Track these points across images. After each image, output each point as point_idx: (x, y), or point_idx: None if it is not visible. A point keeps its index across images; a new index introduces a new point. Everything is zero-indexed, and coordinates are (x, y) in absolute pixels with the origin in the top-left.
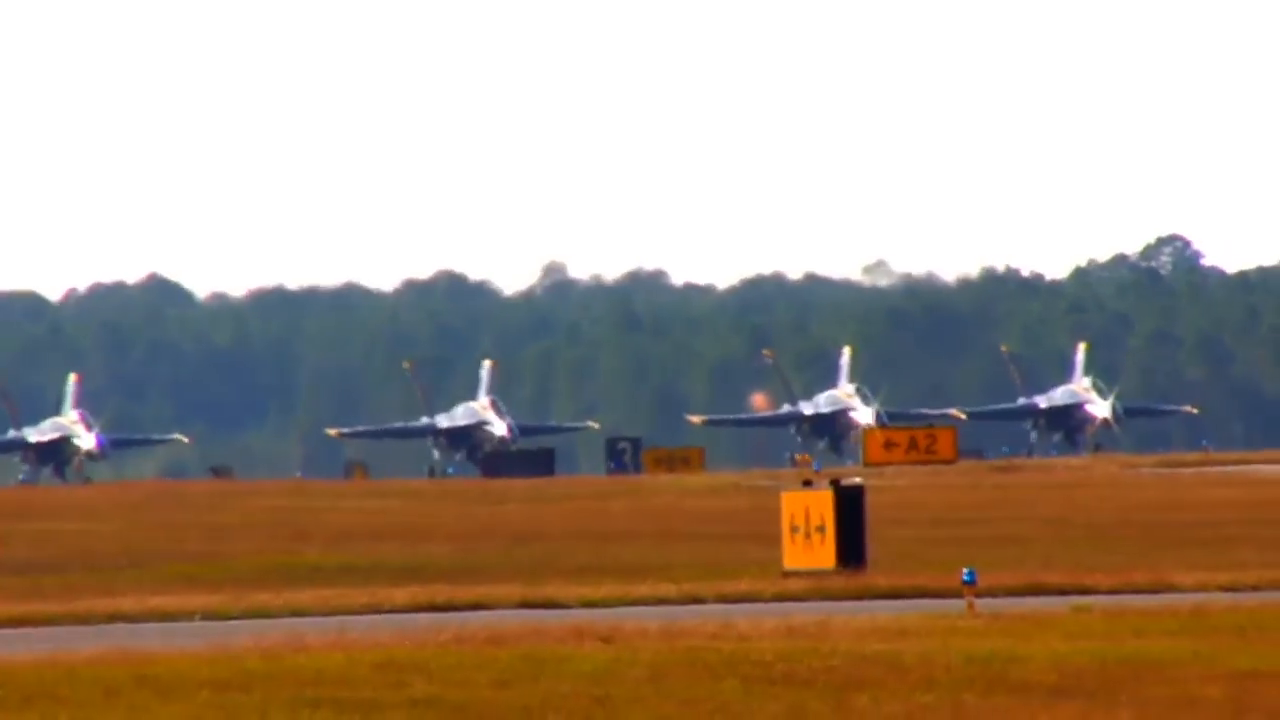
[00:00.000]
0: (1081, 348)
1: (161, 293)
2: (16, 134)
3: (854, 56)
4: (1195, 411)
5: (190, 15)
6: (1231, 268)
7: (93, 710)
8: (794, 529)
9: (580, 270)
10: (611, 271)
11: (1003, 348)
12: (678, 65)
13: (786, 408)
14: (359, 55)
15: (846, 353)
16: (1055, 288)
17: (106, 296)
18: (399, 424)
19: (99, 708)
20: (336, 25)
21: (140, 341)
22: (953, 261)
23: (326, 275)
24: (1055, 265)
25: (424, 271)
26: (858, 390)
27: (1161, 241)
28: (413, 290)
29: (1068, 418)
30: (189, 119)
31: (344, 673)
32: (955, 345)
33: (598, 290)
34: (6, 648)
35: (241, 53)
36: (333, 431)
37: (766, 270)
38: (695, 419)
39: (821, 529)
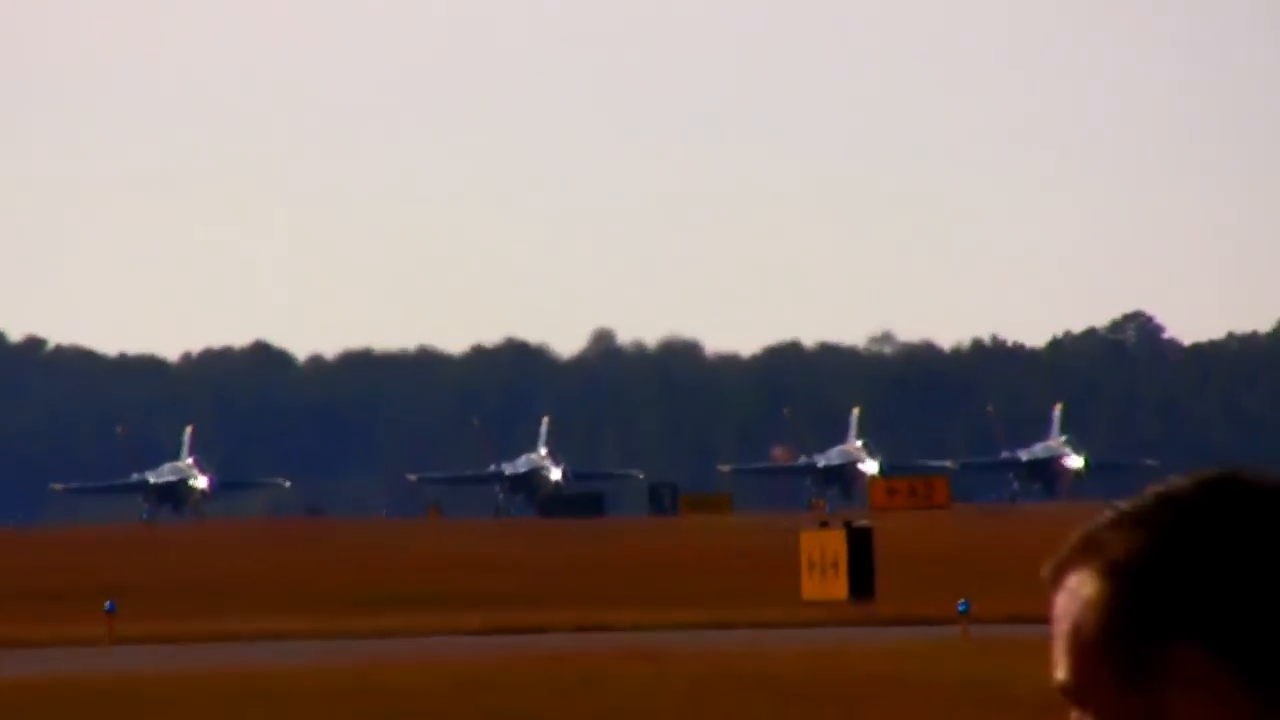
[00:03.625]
0: (1058, 409)
1: (265, 356)
2: (132, 215)
3: (854, 163)
4: (1155, 464)
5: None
6: (1188, 340)
7: (210, 716)
8: (811, 564)
9: (626, 337)
10: (652, 339)
11: (989, 408)
12: (702, 174)
13: (803, 460)
14: (430, 160)
15: (855, 412)
16: (1035, 356)
17: (217, 359)
18: (470, 471)
19: (216, 714)
20: (415, 126)
21: (246, 398)
22: (947, 331)
23: (406, 339)
24: (1035, 336)
25: (491, 338)
26: (864, 445)
27: (1127, 317)
28: (481, 354)
29: (1046, 470)
30: (293, 211)
31: (425, 688)
32: (949, 406)
33: (641, 356)
34: (134, 663)
35: (346, 157)
36: (412, 477)
37: (786, 339)
38: (725, 468)
39: (835, 564)
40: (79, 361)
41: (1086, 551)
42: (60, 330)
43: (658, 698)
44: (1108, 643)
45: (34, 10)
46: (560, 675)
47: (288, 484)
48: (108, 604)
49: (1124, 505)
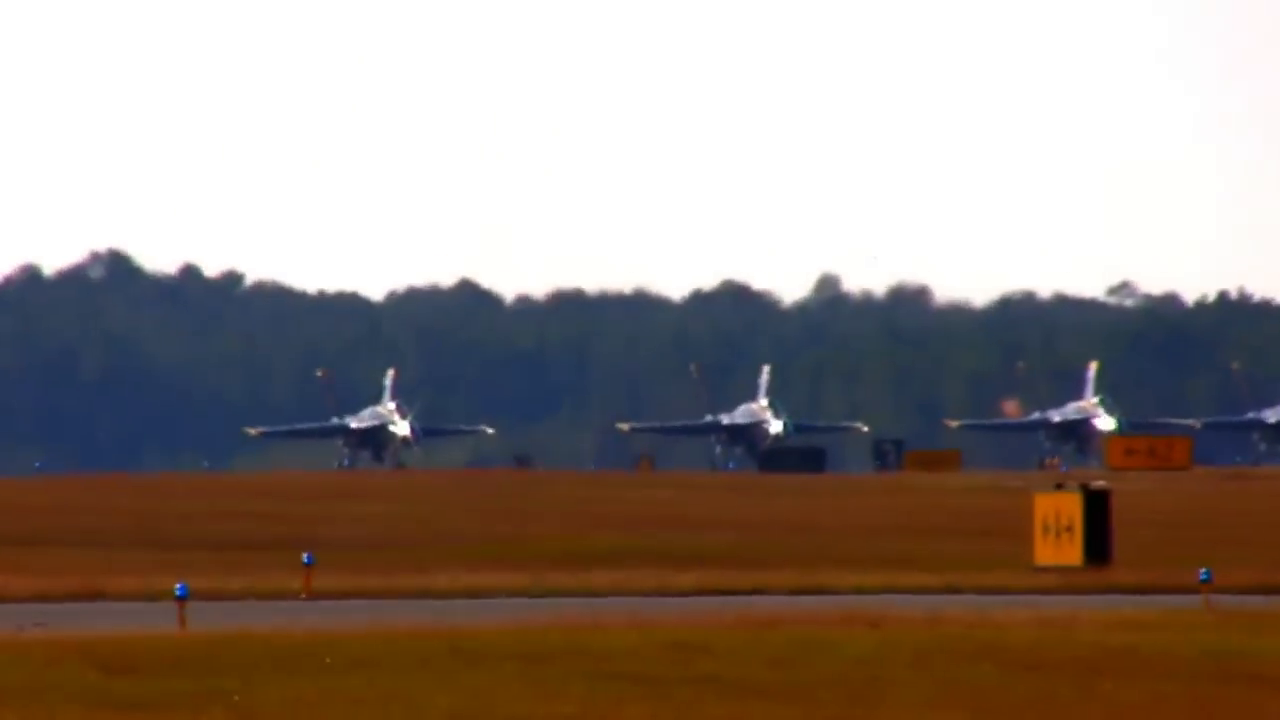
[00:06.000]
0: None
1: (471, 296)
2: (344, 152)
3: (1094, 109)
4: None
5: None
6: None
7: (411, 677)
8: (1045, 528)
9: (852, 284)
10: (880, 286)
11: (1234, 365)
12: (926, 114)
13: (1036, 415)
14: (650, 99)
15: (1092, 367)
16: None
17: (422, 299)
18: (684, 421)
19: (417, 675)
20: (641, 69)
21: (451, 340)
22: (1191, 283)
23: (621, 281)
24: None
25: (710, 281)
26: (1101, 401)
27: None
28: (700, 299)
29: None
30: (504, 144)
31: (636, 650)
32: (1191, 362)
33: (867, 303)
34: (333, 619)
35: (543, 83)
36: (624, 426)
37: (1020, 288)
38: (953, 423)
39: (1070, 528)
40: (277, 298)
41: None
42: (258, 265)
43: (880, 666)
44: None
45: None
46: (776, 640)
47: (491, 432)
48: (305, 556)
49: None
